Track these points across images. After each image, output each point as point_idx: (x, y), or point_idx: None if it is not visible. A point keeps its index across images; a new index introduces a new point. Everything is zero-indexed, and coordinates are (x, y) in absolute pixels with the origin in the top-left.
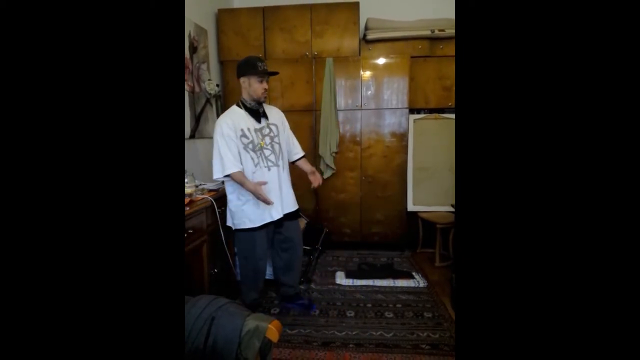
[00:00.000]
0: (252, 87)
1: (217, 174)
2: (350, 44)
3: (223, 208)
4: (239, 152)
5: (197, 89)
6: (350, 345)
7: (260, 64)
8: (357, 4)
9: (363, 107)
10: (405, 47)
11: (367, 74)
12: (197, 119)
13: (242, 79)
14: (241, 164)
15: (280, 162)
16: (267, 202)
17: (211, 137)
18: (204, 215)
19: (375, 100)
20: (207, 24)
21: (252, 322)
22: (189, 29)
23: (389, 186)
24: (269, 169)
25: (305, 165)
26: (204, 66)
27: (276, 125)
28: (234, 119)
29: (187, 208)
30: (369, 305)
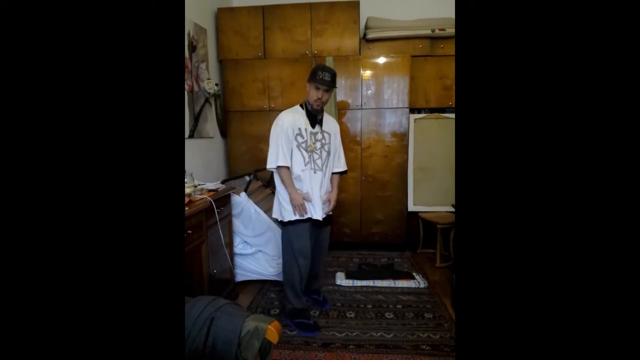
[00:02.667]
0: (310, 93)
1: (271, 164)
2: (350, 43)
3: (222, 208)
4: (292, 150)
5: (196, 89)
6: (351, 346)
7: (321, 74)
8: (357, 3)
9: (363, 107)
10: (406, 47)
11: (367, 73)
12: (196, 118)
13: (307, 84)
14: (290, 161)
15: (324, 169)
16: (301, 211)
17: (210, 137)
18: (203, 216)
19: (376, 100)
20: (207, 23)
21: (251, 322)
22: (188, 28)
23: (389, 186)
24: (315, 172)
25: (334, 182)
26: (203, 65)
27: (329, 134)
28: (295, 117)
29: (186, 208)
30: (369, 306)
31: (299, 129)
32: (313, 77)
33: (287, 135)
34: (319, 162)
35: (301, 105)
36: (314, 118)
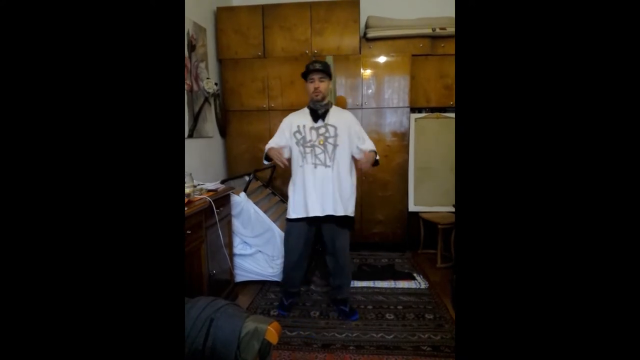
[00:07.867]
0: (307, 89)
1: (266, 148)
2: (350, 42)
3: (221, 208)
4: (291, 148)
5: (195, 88)
6: (351, 347)
7: (309, 66)
8: (357, 1)
9: (364, 106)
10: (406, 46)
11: (367, 73)
12: (196, 118)
13: (305, 85)
14: (290, 154)
15: (331, 163)
16: (282, 162)
17: (209, 137)
18: (203, 216)
19: (376, 99)
20: (206, 22)
21: (251, 323)
22: (187, 27)
23: (389, 186)
24: (315, 167)
25: (365, 156)
26: (202, 65)
27: (335, 127)
28: (294, 116)
29: (185, 208)
30: (370, 306)
31: (298, 126)
32: (304, 74)
33: (282, 132)
34: (321, 156)
35: (308, 106)
36: (315, 113)
